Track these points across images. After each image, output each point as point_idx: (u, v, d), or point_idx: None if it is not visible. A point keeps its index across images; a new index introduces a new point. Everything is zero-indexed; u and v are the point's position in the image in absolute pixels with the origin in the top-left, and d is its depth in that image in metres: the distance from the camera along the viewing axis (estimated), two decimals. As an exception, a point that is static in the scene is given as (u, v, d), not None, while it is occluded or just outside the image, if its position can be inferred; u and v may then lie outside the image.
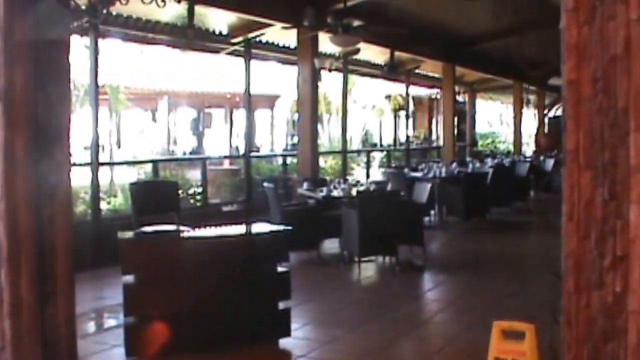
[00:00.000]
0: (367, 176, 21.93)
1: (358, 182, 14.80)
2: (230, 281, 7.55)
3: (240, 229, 8.89)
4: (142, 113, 30.10)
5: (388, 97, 33.88)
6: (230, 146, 28.91)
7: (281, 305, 7.84)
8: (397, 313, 9.67)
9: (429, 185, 13.22)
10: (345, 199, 12.88)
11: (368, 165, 23.15)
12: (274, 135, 32.97)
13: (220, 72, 26.09)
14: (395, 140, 35.45)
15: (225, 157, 23.91)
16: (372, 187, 13.64)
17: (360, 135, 35.51)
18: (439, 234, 15.75)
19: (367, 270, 12.41)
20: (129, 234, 8.32)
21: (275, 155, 24.09)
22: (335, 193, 13.08)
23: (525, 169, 21.29)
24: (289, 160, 19.47)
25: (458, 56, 22.18)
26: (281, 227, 8.50)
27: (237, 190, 17.49)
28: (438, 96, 32.68)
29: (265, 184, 13.44)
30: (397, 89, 31.15)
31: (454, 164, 19.27)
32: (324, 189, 13.26)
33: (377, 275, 12.42)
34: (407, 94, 23.98)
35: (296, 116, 17.47)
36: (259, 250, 7.92)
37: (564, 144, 4.33)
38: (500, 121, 41.79)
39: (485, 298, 10.46)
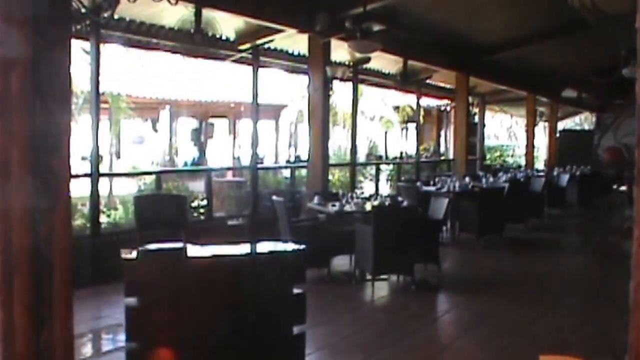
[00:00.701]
0: (376, 189, 21.36)
1: (372, 196, 14.15)
2: (241, 304, 6.92)
3: (252, 248, 8.24)
4: (142, 123, 29.66)
5: (397, 108, 33.36)
6: (234, 157, 28.47)
7: (295, 330, 7.20)
8: (416, 337, 9.14)
9: (446, 201, 12.62)
10: (359, 214, 12.31)
11: (377, 178, 22.52)
12: (278, 146, 32.50)
13: (224, 80, 25.61)
14: (401, 153, 35.00)
15: (231, 168, 23.43)
16: (386, 202, 12.99)
17: (367, 147, 34.97)
18: (453, 251, 15.07)
19: (381, 289, 11.79)
20: (133, 253, 7.65)
21: (284, 167, 23.50)
22: (347, 208, 12.49)
23: (540, 184, 20.67)
24: (295, 172, 18.79)
25: (472, 66, 21.54)
26: (297, 246, 7.85)
27: (242, 203, 16.86)
28: (448, 108, 32.21)
29: (274, 198, 12.81)
30: (406, 100, 30.75)
31: (467, 178, 18.65)
32: (337, 203, 12.66)
33: (392, 295, 11.76)
34: (418, 105, 23.29)
35: (299, 127, 16.98)
36: (273, 271, 7.28)
37: (637, 160, 3.73)
38: (509, 134, 41.33)
39: (509, 322, 9.91)
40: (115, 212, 14.71)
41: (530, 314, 10.32)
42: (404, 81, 19.06)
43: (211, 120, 31.19)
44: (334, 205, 12.58)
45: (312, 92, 15.08)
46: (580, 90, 28.54)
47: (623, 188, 19.23)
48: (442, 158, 31.19)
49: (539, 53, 22.16)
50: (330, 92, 15.95)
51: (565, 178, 23.24)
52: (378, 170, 23.13)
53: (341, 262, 12.72)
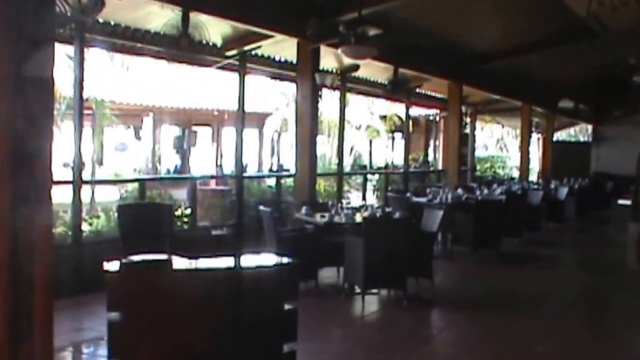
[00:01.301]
0: (364, 200, 20.95)
1: (362, 206, 13.74)
2: (230, 320, 6.54)
3: (241, 261, 7.83)
4: (125, 130, 29.28)
5: (383, 117, 32.98)
6: (217, 165, 28.13)
7: (286, 348, 6.83)
8: (411, 357, 8.71)
9: (440, 213, 12.26)
10: (349, 225, 11.92)
11: (364, 188, 22.10)
12: (262, 155, 32.20)
13: (208, 88, 25.30)
14: (386, 163, 34.67)
15: (217, 177, 23.05)
16: (377, 213, 12.58)
17: (352, 156, 34.60)
18: (446, 265, 14.52)
19: (372, 304, 11.41)
20: (116, 265, 7.23)
21: (270, 176, 23.10)
22: (337, 219, 12.11)
23: (538, 197, 20.29)
24: (281, 181, 18.39)
25: (466, 75, 21.15)
26: (289, 260, 7.46)
27: (227, 212, 16.45)
28: (437, 117, 31.90)
29: (261, 208, 12.43)
30: (394, 109, 30.47)
31: (459, 190, 18.24)
32: (326, 214, 12.27)
33: (383, 310, 11.36)
34: (408, 114, 22.88)
35: (283, 136, 16.61)
36: (264, 285, 6.90)
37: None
38: (500, 145, 41.12)
39: (511, 343, 9.52)
40: (98, 221, 14.27)
41: (531, 333, 9.95)
42: (394, 90, 18.70)
43: (194, 127, 30.80)
44: (323, 216, 12.22)
45: (301, 100, 14.71)
46: (577, 101, 28.33)
47: (625, 202, 18.83)
48: (432, 169, 30.86)
49: (535, 63, 21.92)
50: (319, 100, 15.54)
51: (564, 191, 22.88)
52: (365, 180, 22.71)
53: (328, 275, 12.39)
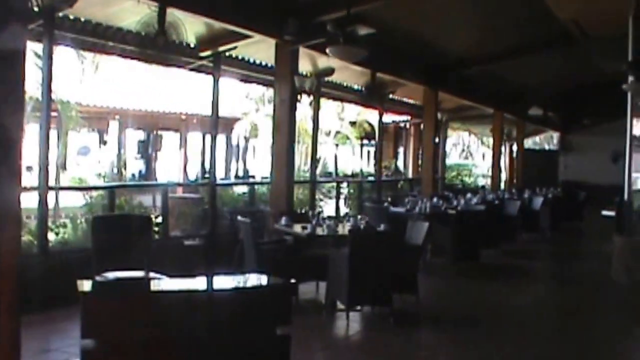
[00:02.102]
0: (337, 209, 20.31)
1: (343, 217, 13.12)
2: (217, 347, 5.89)
3: (231, 281, 7.15)
4: (89, 133, 28.49)
5: (353, 123, 32.44)
6: (184, 172, 27.51)
7: (277, 378, 6.19)
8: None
9: (426, 225, 11.67)
10: (332, 237, 11.32)
11: (338, 197, 21.44)
12: (230, 161, 31.63)
13: (176, 90, 24.67)
14: (353, 171, 34.14)
15: (189, 184, 22.44)
16: (361, 225, 11.92)
17: (321, 163, 34.02)
18: (427, 279, 13.49)
19: (356, 322, 10.72)
20: (90, 284, 6.51)
21: (246, 184, 22.40)
22: (320, 230, 11.48)
23: (515, 207, 19.82)
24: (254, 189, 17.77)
25: (442, 81, 20.65)
26: (283, 281, 6.79)
27: (198, 221, 15.70)
28: (407, 125, 31.46)
29: (240, 218, 11.79)
30: (364, 115, 30.05)
31: (435, 199, 17.66)
32: (308, 225, 11.63)
33: (369, 329, 10.65)
34: (381, 121, 22.26)
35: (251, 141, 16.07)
36: (255, 309, 6.23)
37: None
38: (465, 153, 40.81)
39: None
40: (65, 230, 13.53)
41: (532, 352, 9.53)
42: (370, 95, 18.22)
43: (160, 132, 30.10)
44: (304, 227, 11.57)
45: (278, 105, 14.08)
46: (546, 109, 28.14)
47: (609, 213, 18.47)
48: (403, 177, 30.39)
49: (509, 69, 21.63)
50: (297, 105, 14.93)
51: (539, 201, 22.43)
52: (339, 188, 22.08)
53: (306, 290, 11.73)
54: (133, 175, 27.59)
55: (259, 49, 14.47)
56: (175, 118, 28.03)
